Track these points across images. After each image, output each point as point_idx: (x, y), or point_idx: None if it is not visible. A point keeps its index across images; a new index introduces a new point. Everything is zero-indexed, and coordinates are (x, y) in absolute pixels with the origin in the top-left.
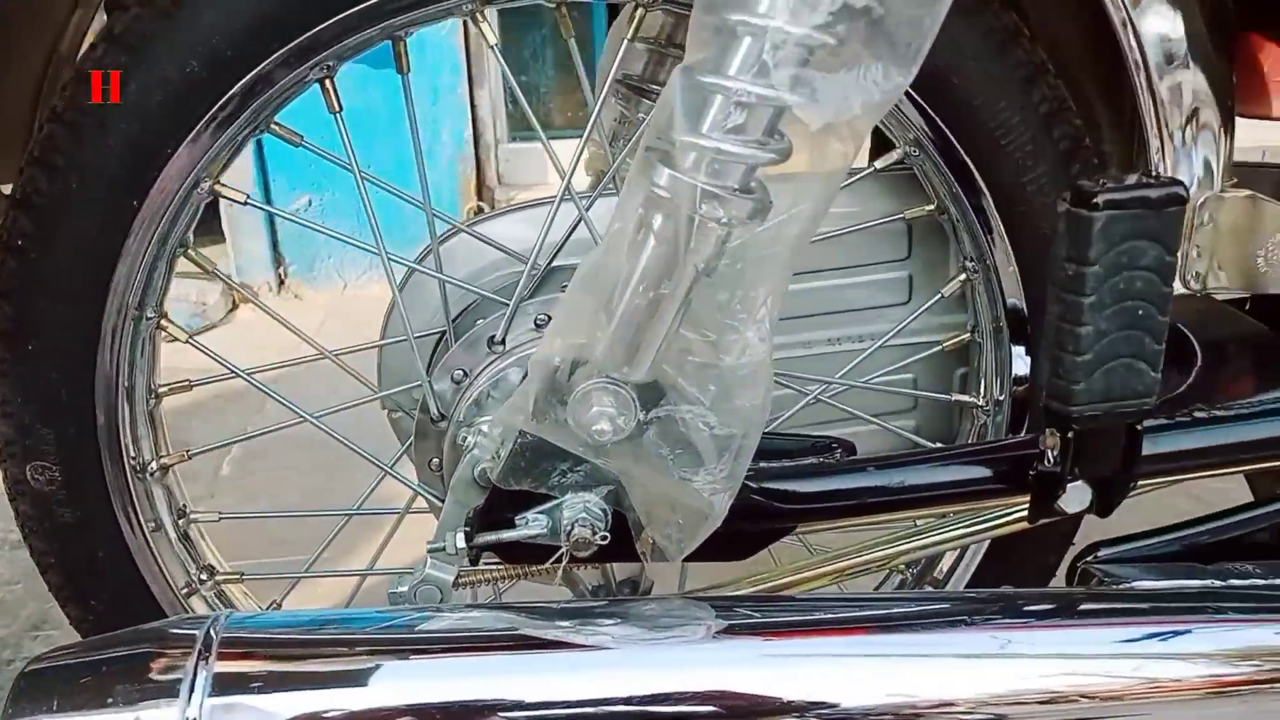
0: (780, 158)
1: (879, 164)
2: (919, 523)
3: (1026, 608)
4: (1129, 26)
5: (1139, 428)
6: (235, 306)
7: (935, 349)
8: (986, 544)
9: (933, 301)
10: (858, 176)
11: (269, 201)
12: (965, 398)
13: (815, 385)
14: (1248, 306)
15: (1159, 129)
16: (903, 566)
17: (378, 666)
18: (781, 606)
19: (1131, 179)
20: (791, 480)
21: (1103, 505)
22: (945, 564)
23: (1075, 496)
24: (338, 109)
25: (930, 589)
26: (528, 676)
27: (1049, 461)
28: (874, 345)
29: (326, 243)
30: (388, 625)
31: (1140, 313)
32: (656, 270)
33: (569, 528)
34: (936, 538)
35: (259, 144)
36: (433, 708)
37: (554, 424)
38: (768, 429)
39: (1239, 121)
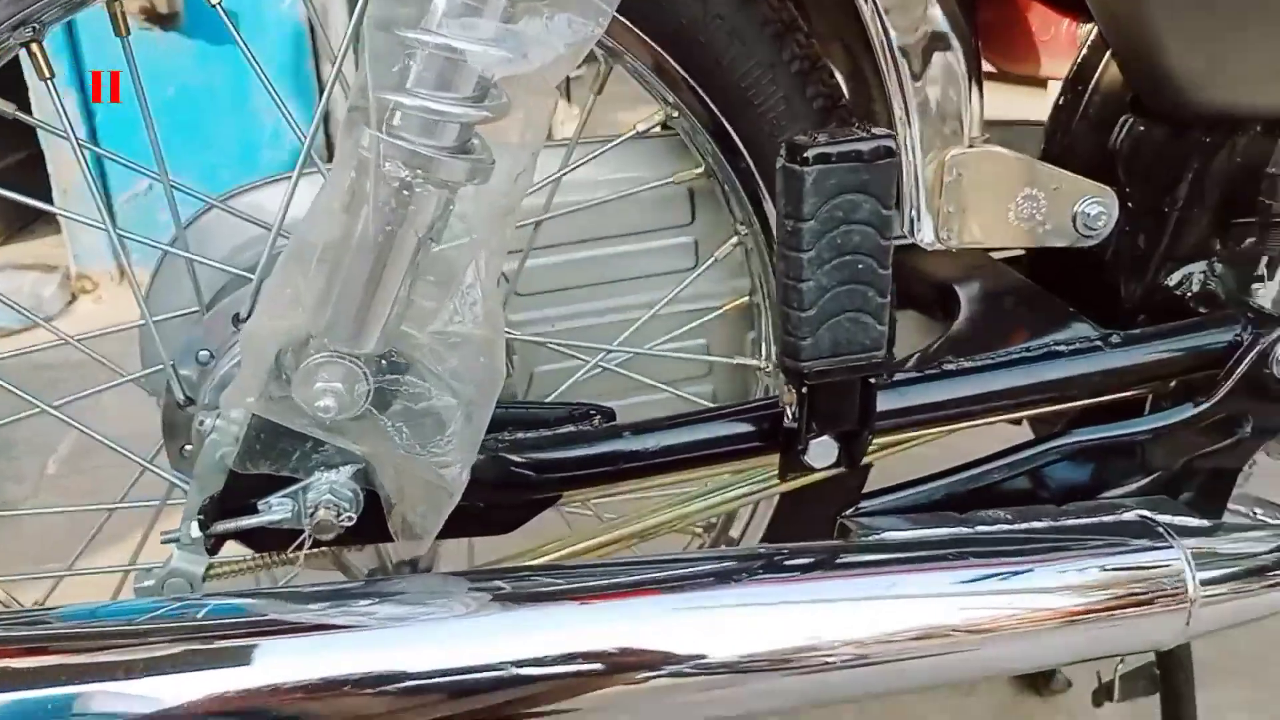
0: (495, 115)
1: (640, 126)
2: (710, 484)
3: (785, 563)
4: None
5: (872, 381)
6: (74, 299)
7: (716, 313)
8: (776, 501)
9: (706, 266)
10: (619, 139)
11: (105, 186)
12: (747, 360)
13: (612, 354)
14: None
15: (900, 86)
16: (700, 529)
17: (76, 664)
18: (537, 576)
19: (843, 133)
20: (548, 449)
21: (849, 459)
22: (740, 523)
23: (821, 452)
24: (48, 75)
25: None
26: (267, 662)
27: (789, 418)
28: (649, 312)
29: (169, 230)
30: (98, 619)
31: (860, 266)
32: (374, 238)
33: (312, 510)
34: (710, 501)
35: (93, 128)
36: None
37: (279, 403)
38: (556, 398)
39: None
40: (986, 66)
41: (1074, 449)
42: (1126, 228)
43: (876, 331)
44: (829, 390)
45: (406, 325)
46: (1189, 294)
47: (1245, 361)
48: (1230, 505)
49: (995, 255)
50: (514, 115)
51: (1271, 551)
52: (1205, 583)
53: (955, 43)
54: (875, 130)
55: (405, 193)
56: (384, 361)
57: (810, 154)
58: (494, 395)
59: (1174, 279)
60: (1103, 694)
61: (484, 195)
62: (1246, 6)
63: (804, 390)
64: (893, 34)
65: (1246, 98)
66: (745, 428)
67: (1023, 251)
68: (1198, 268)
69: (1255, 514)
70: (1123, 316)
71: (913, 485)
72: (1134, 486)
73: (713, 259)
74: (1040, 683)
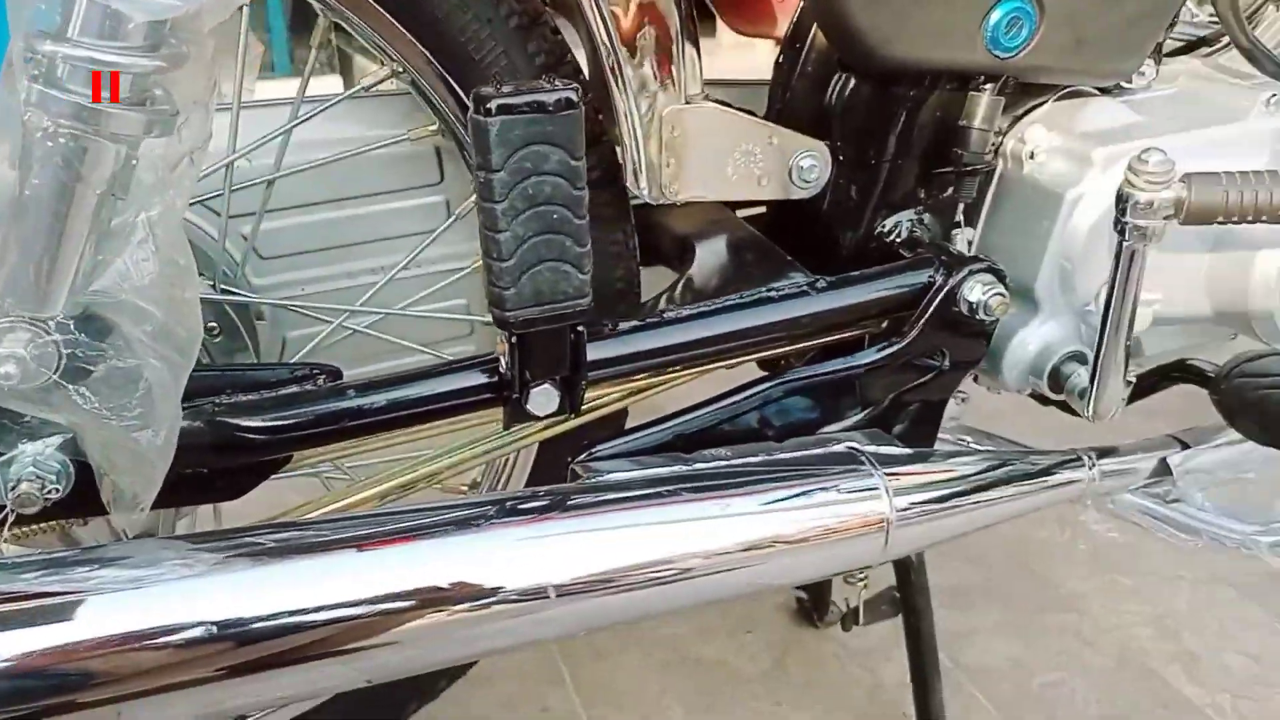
0: (169, 65)
1: (366, 82)
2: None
3: (515, 507)
4: None
5: (580, 329)
6: None
7: (469, 271)
8: (536, 449)
9: (447, 225)
10: (342, 96)
11: None
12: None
13: (360, 317)
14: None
15: (611, 46)
16: (465, 486)
17: None
18: (252, 535)
19: (528, 85)
20: (270, 411)
21: (571, 406)
22: (505, 474)
23: (543, 400)
24: None
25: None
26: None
27: (504, 368)
28: (389, 274)
29: None
30: None
31: (555, 216)
32: (48, 196)
33: (14, 484)
34: (460, 455)
35: None
36: None
37: None
38: (300, 359)
39: None
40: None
41: (788, 388)
42: (841, 180)
43: (579, 280)
44: (538, 339)
45: (95, 284)
46: (899, 240)
47: (936, 301)
48: (944, 435)
49: (741, 211)
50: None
51: (966, 476)
52: (901, 507)
53: (667, 3)
54: (560, 82)
55: (76, 147)
56: (71, 324)
57: (494, 105)
58: (190, 356)
59: (886, 227)
60: (850, 619)
61: (164, 151)
62: None
63: (514, 340)
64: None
65: (926, 53)
66: (468, 381)
67: (764, 206)
68: (906, 215)
69: (966, 442)
70: (844, 263)
71: (645, 428)
72: (851, 421)
73: (454, 217)
74: (815, 616)
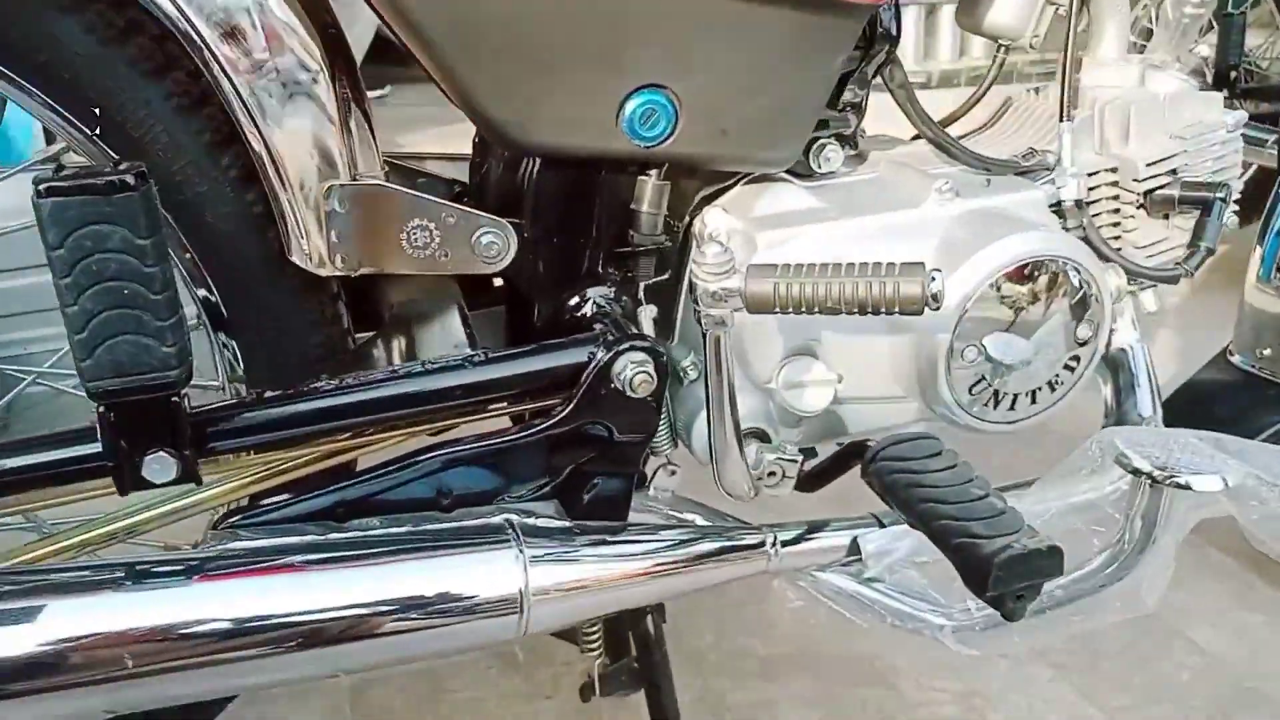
0: None
1: (38, 157)
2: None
3: (138, 570)
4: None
5: (175, 400)
6: None
7: None
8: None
9: None
10: (17, 170)
11: None
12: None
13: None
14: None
15: (257, 128)
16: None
17: None
18: None
19: (90, 169)
20: None
21: (191, 475)
22: None
23: (158, 468)
24: None
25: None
26: None
27: (99, 437)
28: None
29: None
30: None
31: (126, 292)
32: None
33: None
34: (154, 511)
35: None
36: None
37: None
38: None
39: None
40: None
41: (448, 459)
42: (529, 256)
43: (164, 353)
44: (130, 409)
45: None
46: (589, 316)
47: (589, 378)
48: (656, 504)
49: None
50: None
51: (623, 553)
52: (541, 584)
53: (319, 86)
54: (123, 165)
55: None
56: None
57: (43, 188)
58: None
59: (577, 302)
60: (589, 690)
61: None
62: (532, 66)
63: (102, 409)
64: (241, 88)
65: (563, 141)
66: (77, 450)
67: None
68: (596, 292)
69: (668, 514)
70: (540, 335)
71: (313, 492)
72: (527, 490)
73: None
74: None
